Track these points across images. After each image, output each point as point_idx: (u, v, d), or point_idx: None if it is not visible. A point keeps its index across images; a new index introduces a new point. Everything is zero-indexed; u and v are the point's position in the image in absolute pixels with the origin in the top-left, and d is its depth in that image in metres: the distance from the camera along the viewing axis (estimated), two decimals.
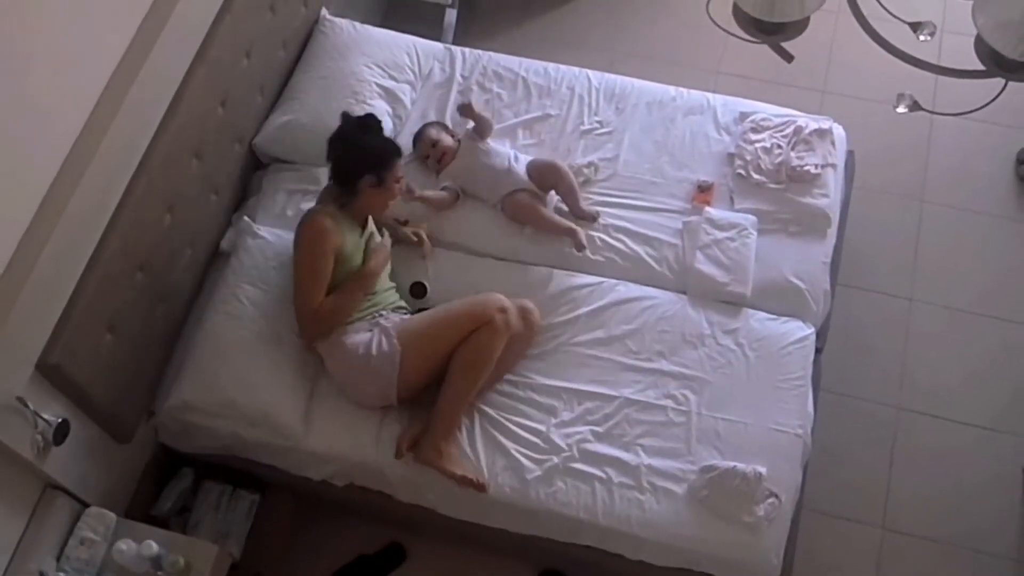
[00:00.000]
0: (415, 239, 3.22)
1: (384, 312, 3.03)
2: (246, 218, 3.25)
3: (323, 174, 3.29)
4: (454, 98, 3.64)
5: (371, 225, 3.10)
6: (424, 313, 3.05)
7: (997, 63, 1.86)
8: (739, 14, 2.10)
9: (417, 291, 3.17)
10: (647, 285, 3.22)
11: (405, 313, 3.09)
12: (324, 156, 2.99)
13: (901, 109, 1.99)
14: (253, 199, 3.40)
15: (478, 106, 3.40)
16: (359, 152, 2.93)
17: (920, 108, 2.00)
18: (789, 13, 2.03)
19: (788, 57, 2.21)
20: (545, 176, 3.33)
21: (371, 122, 2.98)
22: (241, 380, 2.93)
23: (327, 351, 2.99)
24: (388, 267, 3.13)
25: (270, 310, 3.03)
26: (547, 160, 3.39)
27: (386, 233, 3.15)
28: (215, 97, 3.09)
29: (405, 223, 3.29)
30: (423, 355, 2.91)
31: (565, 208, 3.34)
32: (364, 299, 3.01)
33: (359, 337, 2.94)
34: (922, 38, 2.10)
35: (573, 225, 3.25)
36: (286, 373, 2.97)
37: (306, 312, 2.90)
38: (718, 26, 2.19)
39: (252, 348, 2.97)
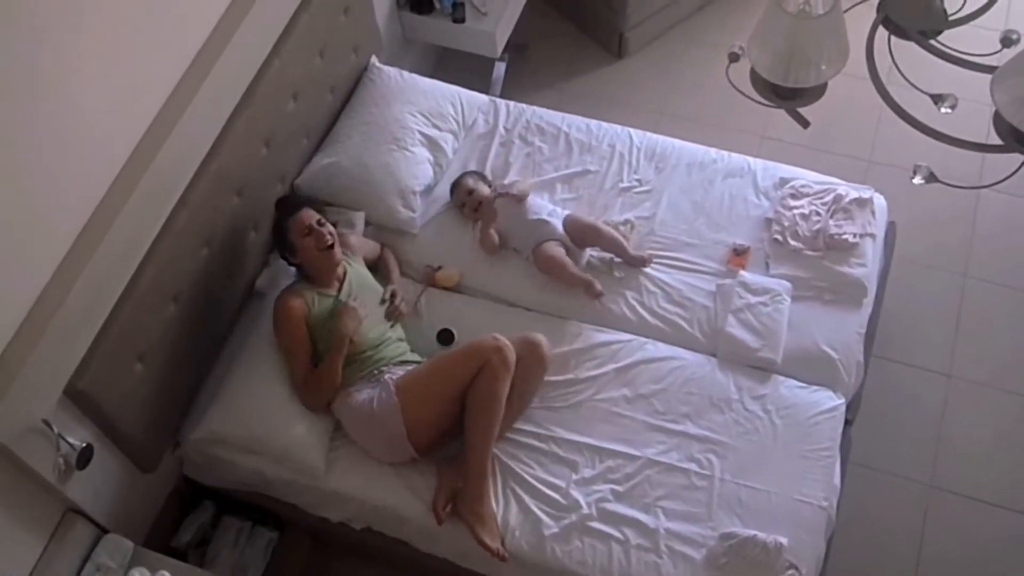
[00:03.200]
0: (392, 301, 3.15)
1: (389, 367, 3.01)
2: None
3: (359, 217, 3.37)
4: (495, 151, 3.66)
5: (348, 285, 3.08)
6: (423, 363, 3.02)
7: (1016, 139, 1.83)
8: (756, 79, 2.04)
9: (445, 338, 3.16)
10: (677, 346, 3.18)
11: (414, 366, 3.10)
12: (361, 199, 3.10)
13: (917, 180, 1.96)
14: None
15: (522, 186, 3.41)
16: (273, 239, 3.10)
17: (936, 180, 1.98)
18: (804, 79, 1.97)
19: (804, 123, 2.18)
20: (584, 235, 3.33)
21: (276, 205, 3.12)
22: (268, 416, 2.95)
23: (340, 413, 3.00)
24: (385, 322, 3.07)
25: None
26: (588, 221, 3.36)
27: (355, 294, 3.07)
28: (260, 137, 3.11)
29: (438, 269, 3.31)
30: (425, 405, 2.88)
31: (619, 260, 3.31)
32: (363, 357, 3.00)
33: (362, 395, 2.95)
34: (943, 110, 2.06)
35: (588, 277, 3.24)
36: (310, 413, 2.95)
37: (297, 384, 2.97)
38: (737, 90, 2.17)
39: (280, 387, 2.97)
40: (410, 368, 3.00)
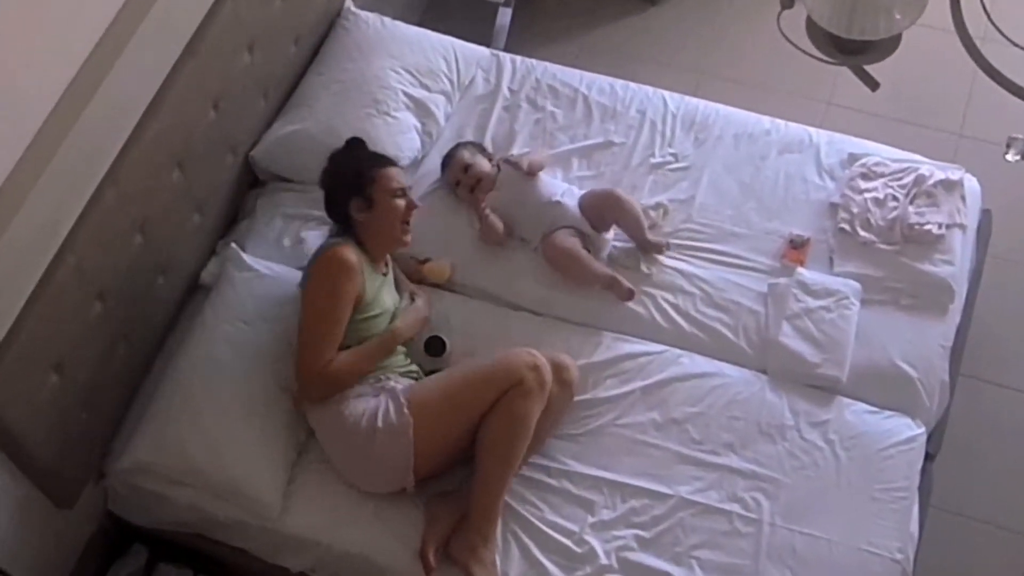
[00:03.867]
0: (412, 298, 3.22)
1: (392, 376, 3.01)
2: (234, 245, 3.24)
3: None
4: (498, 116, 3.65)
5: (393, 271, 3.13)
6: (438, 375, 3.02)
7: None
8: (814, 29, 2.03)
9: (434, 348, 3.11)
10: (719, 359, 3.18)
11: (416, 378, 3.07)
12: None
13: (1012, 157, 1.94)
14: (244, 223, 3.40)
15: (536, 157, 3.40)
16: (337, 177, 3.00)
17: None
18: (872, 30, 1.95)
19: (873, 84, 2.16)
20: (602, 209, 3.32)
21: (351, 144, 3.06)
22: (211, 442, 2.90)
23: (319, 420, 2.96)
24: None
25: (254, 360, 3.01)
26: (603, 189, 3.38)
27: (422, 297, 3.15)
28: (207, 98, 3.08)
29: (425, 261, 3.29)
30: (440, 428, 2.88)
31: (628, 246, 3.33)
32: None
33: (361, 404, 2.90)
34: None
35: (612, 272, 3.24)
36: (267, 437, 2.95)
37: (313, 368, 2.85)
38: (791, 43, 2.16)
39: (228, 404, 2.95)
40: (417, 381, 3.02)
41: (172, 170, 3.02)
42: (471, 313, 3.25)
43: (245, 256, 3.21)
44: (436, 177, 3.46)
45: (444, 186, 3.47)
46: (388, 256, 3.13)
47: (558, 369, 2.98)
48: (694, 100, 3.69)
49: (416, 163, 3.50)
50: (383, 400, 2.90)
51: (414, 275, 3.28)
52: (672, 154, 3.54)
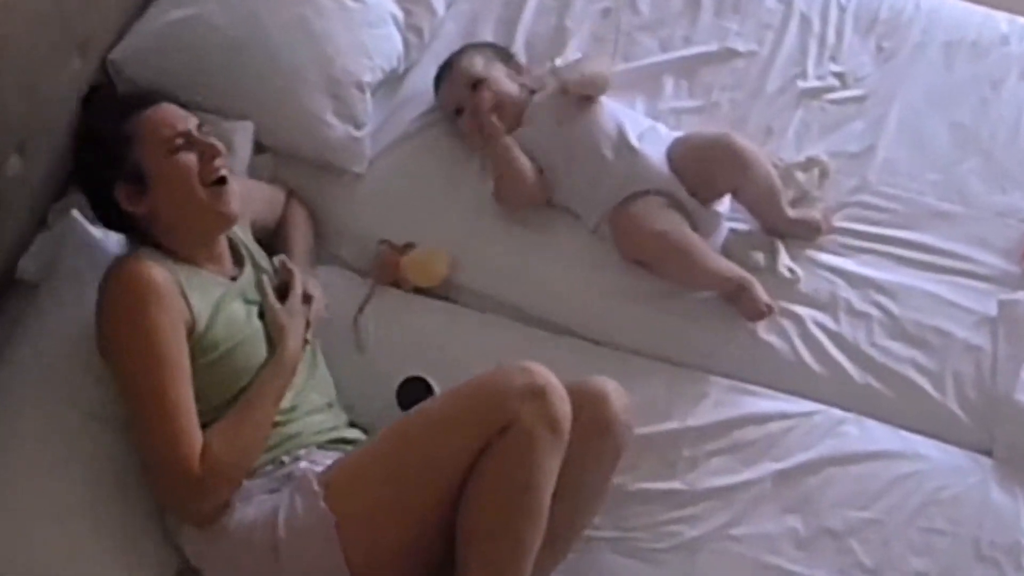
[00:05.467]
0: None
1: (306, 452, 2.78)
2: (76, 213, 2.96)
3: (241, 133, 3.20)
4: (537, 2, 3.48)
5: (250, 264, 2.96)
6: (377, 435, 2.76)
7: None
8: None
9: (412, 395, 2.87)
10: (909, 429, 2.98)
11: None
12: (246, 96, 3.07)
13: None
14: None
15: (595, 69, 3.26)
16: (85, 158, 2.92)
17: None
18: None
19: None
20: (710, 165, 3.12)
21: (92, 98, 3.02)
22: (25, 559, 2.64)
23: (198, 553, 2.74)
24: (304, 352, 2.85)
25: (102, 403, 2.74)
26: (713, 132, 3.16)
27: (307, 277, 2.98)
28: None
29: (405, 249, 3.12)
30: (383, 520, 2.66)
31: (749, 229, 3.18)
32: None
33: (251, 509, 2.67)
34: None
35: (739, 271, 3.02)
36: (119, 550, 2.70)
37: (179, 471, 2.61)
38: None
39: (53, 491, 2.69)
40: (346, 451, 2.77)
41: None
42: (480, 336, 3.05)
43: (95, 231, 2.94)
44: (427, 103, 3.31)
45: (437, 117, 3.25)
46: (244, 241, 2.95)
47: (592, 396, 2.78)
48: None
49: (394, 79, 3.34)
50: (284, 494, 2.69)
51: (387, 273, 3.11)
52: (837, 74, 3.45)
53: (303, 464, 2.75)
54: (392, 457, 2.70)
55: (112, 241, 3.02)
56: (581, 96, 3.18)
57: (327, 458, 2.78)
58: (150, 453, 2.65)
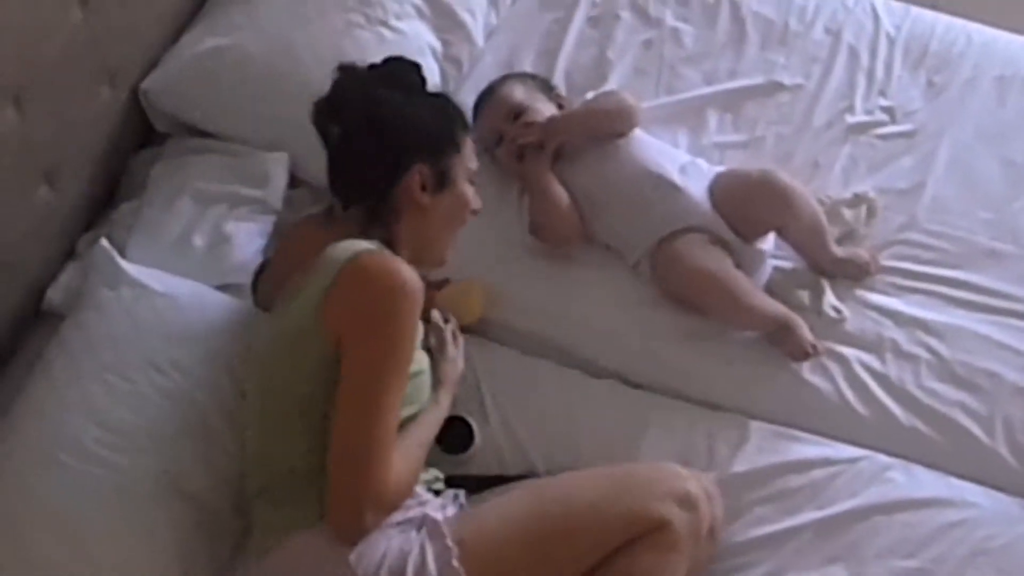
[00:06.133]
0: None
1: (419, 490, 2.69)
2: (105, 243, 2.93)
3: (277, 164, 3.17)
4: (578, 32, 3.45)
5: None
6: (510, 498, 2.73)
7: None
8: None
9: (456, 438, 2.87)
10: (958, 475, 2.93)
11: (446, 495, 2.79)
12: (282, 127, 2.92)
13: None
14: (126, 205, 3.13)
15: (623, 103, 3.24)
16: (398, 123, 2.74)
17: None
18: None
19: None
20: (755, 202, 3.08)
21: (401, 70, 2.80)
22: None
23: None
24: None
25: (138, 453, 2.68)
26: (758, 170, 3.12)
27: (447, 335, 2.95)
28: None
29: (442, 285, 3.04)
30: None
31: (794, 266, 3.14)
32: None
33: (380, 545, 2.62)
34: None
35: (789, 313, 2.99)
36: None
37: (374, 476, 2.57)
38: None
39: (102, 517, 2.63)
40: (453, 502, 2.79)
41: (5, 107, 2.76)
42: (517, 376, 3.00)
43: (124, 264, 2.90)
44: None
45: (477, 149, 2.98)
46: None
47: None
48: (928, 13, 3.48)
49: None
50: (412, 538, 2.63)
51: (422, 309, 2.96)
52: (886, 108, 3.40)
53: (430, 509, 2.72)
54: (533, 532, 2.69)
55: (142, 272, 3.01)
56: (622, 124, 3.25)
57: (434, 499, 2.82)
58: (362, 473, 2.62)
